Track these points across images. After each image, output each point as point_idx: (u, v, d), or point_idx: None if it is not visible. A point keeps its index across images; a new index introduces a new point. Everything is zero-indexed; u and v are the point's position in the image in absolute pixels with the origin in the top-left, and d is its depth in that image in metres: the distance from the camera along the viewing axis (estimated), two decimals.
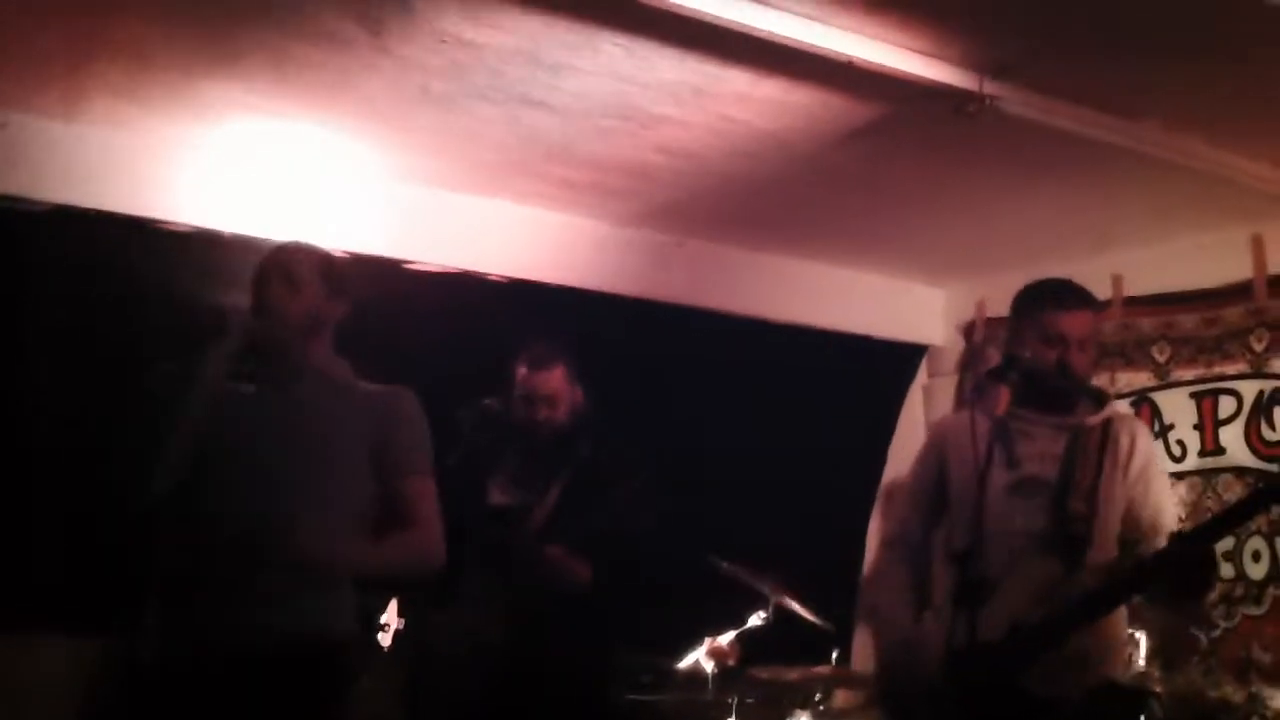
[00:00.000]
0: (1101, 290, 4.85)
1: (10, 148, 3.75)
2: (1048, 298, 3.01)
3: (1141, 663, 3.95)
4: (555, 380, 3.80)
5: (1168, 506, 3.02)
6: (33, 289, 3.85)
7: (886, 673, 3.09)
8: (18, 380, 3.87)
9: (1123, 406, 4.18)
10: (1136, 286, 4.92)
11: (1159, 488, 3.00)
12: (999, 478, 2.83)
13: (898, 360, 5.70)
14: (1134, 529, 2.92)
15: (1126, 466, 2.92)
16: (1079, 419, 2.94)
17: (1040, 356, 2.90)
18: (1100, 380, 4.80)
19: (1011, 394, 2.89)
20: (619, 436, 3.85)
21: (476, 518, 3.73)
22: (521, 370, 3.86)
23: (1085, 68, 3.31)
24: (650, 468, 3.72)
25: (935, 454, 3.10)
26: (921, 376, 5.76)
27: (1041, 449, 2.92)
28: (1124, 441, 2.94)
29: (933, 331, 5.70)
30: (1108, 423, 2.95)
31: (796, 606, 4.27)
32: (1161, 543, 2.81)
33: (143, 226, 3.99)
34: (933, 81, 3.29)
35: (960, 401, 5.29)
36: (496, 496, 3.88)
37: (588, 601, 3.64)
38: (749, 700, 4.12)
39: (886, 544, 3.19)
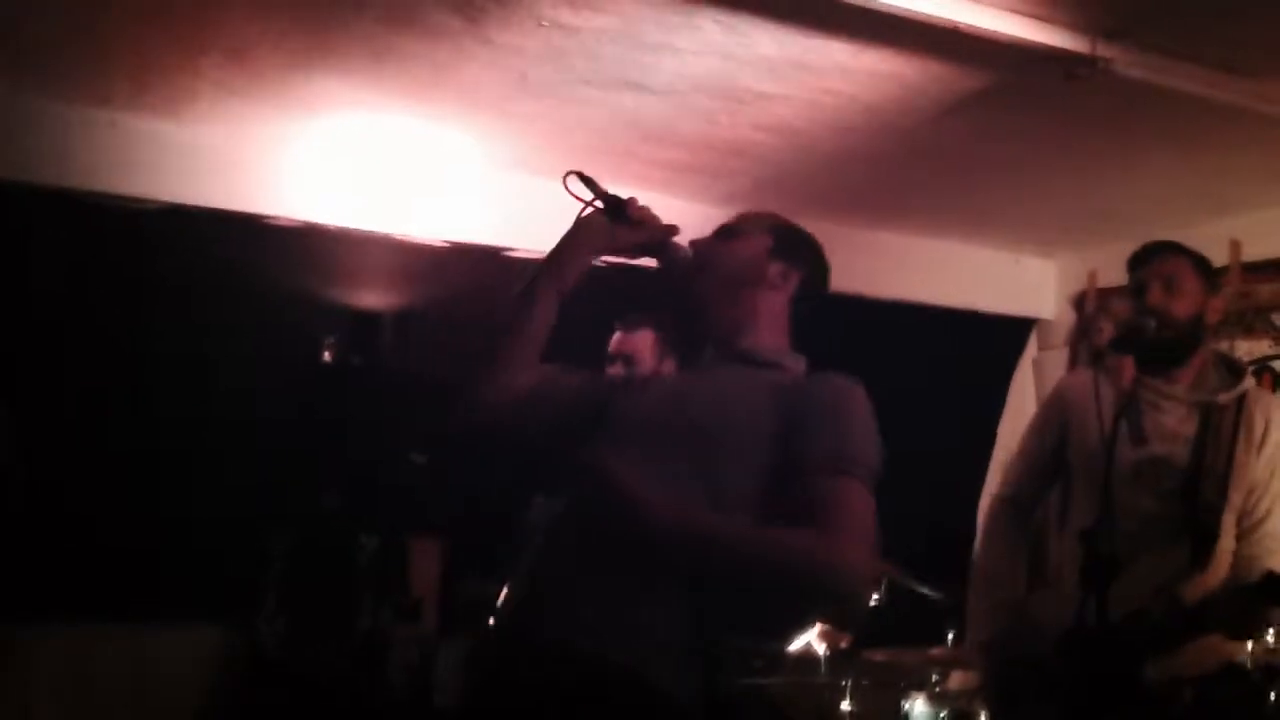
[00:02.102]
0: (1219, 257, 4.71)
1: (119, 147, 3.83)
2: (1133, 259, 2.97)
3: (1270, 637, 3.81)
4: (640, 342, 3.78)
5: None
6: (144, 287, 3.93)
7: (995, 640, 2.99)
8: (142, 375, 3.98)
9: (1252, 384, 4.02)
10: (1255, 252, 4.74)
11: (1270, 472, 2.85)
12: (1124, 454, 2.73)
13: (1007, 334, 5.57)
14: (1250, 514, 2.81)
15: (1260, 450, 2.80)
16: (1211, 395, 2.82)
17: (1156, 304, 2.82)
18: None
19: (1135, 364, 2.79)
20: None
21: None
22: (616, 332, 3.85)
23: (1201, 25, 3.18)
24: None
25: (1057, 416, 2.99)
26: (1031, 350, 5.63)
27: (1171, 426, 2.80)
28: (1258, 422, 2.81)
29: (1043, 304, 5.57)
30: (1242, 400, 2.82)
31: (912, 583, 4.19)
32: (1276, 528, 2.73)
33: (250, 223, 4.04)
34: (1043, 45, 3.19)
35: (1113, 367, 5.15)
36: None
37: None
38: (863, 683, 4.05)
39: (997, 503, 3.09)
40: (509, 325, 2.26)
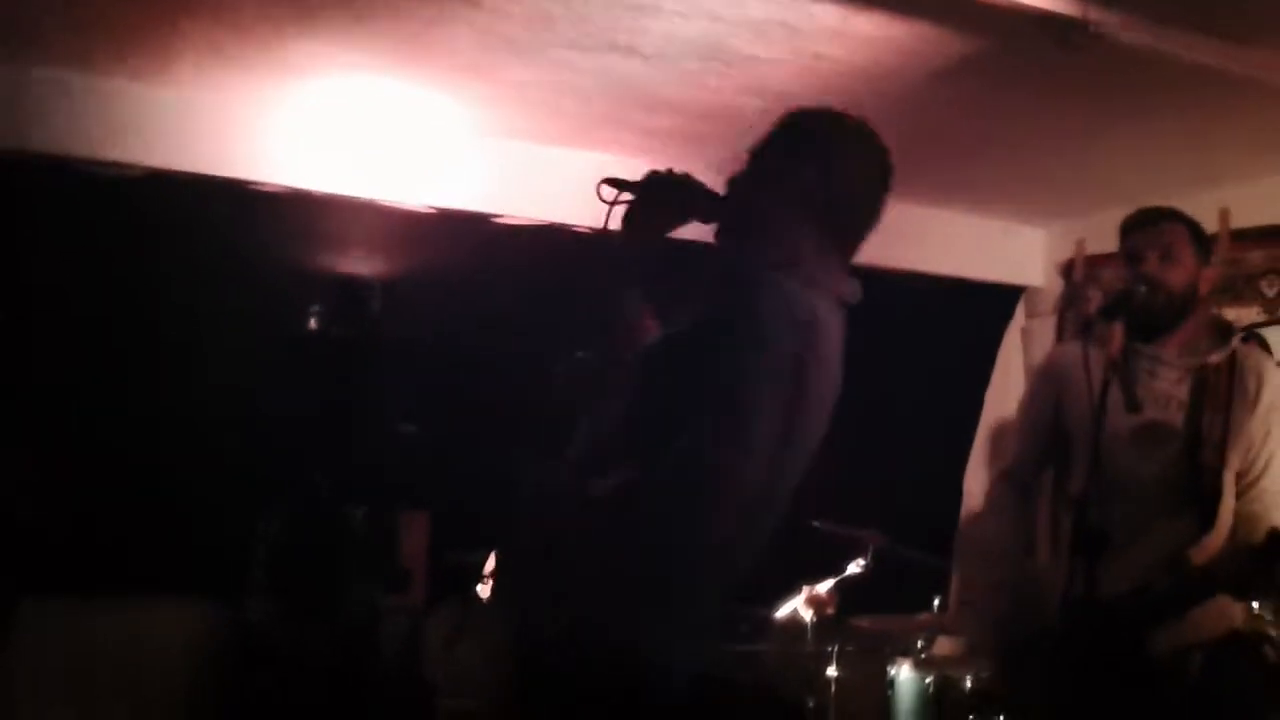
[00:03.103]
0: (1209, 225, 4.71)
1: (102, 113, 3.78)
2: (1126, 223, 2.93)
3: (1254, 606, 3.83)
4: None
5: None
6: (125, 254, 3.89)
7: (995, 615, 3.00)
8: (124, 344, 3.95)
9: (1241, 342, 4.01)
10: (1244, 219, 4.73)
11: (1268, 431, 2.84)
12: (1120, 421, 2.71)
13: (995, 302, 5.56)
14: (1248, 471, 2.79)
15: (1254, 407, 2.79)
16: (1202, 357, 2.82)
17: (1151, 271, 2.79)
18: None
19: (1125, 331, 2.78)
20: None
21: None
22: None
23: None
24: None
25: (1050, 387, 2.97)
26: (1019, 318, 5.62)
27: (1164, 390, 2.79)
28: (1251, 380, 2.80)
29: (1031, 272, 5.55)
30: (1233, 359, 2.80)
31: (900, 550, 4.20)
32: (1273, 487, 2.73)
33: (234, 188, 4.00)
34: (1035, 9, 3.15)
35: (1061, 342, 5.17)
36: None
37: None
38: (849, 649, 4.07)
39: (996, 478, 3.09)
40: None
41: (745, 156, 2.23)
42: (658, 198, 2.21)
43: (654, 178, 2.22)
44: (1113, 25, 3.23)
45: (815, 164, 2.16)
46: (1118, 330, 2.72)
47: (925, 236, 5.27)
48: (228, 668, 4.03)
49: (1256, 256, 4.69)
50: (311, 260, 4.31)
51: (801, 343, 1.94)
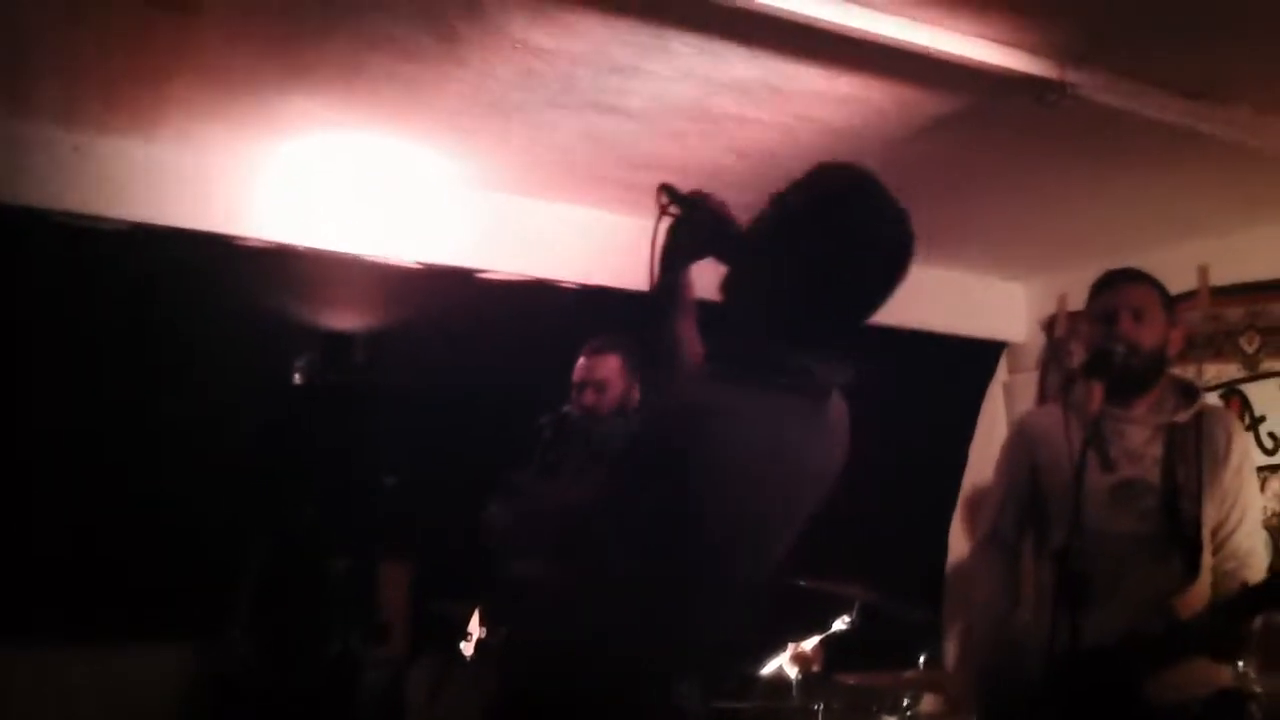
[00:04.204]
0: (1188, 280, 4.77)
1: (90, 167, 3.80)
2: (1098, 284, 2.98)
3: (1240, 664, 3.83)
4: (608, 367, 3.76)
5: (1256, 503, 2.96)
6: (113, 307, 3.90)
7: (985, 672, 3.02)
8: (110, 395, 3.94)
9: (1213, 399, 4.06)
10: (1223, 275, 4.79)
11: (1251, 486, 2.93)
12: (1097, 481, 2.76)
13: (978, 357, 5.60)
14: (1222, 526, 2.85)
15: (1225, 463, 2.85)
16: (1170, 416, 2.87)
17: (1125, 332, 2.83)
18: (1187, 372, 4.69)
19: (1087, 375, 2.83)
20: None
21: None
22: (580, 359, 3.83)
23: (1169, 52, 3.22)
24: None
25: (1024, 452, 3.03)
26: (1002, 373, 5.66)
27: (1135, 448, 2.84)
28: (1220, 437, 2.87)
29: (1013, 327, 5.60)
30: (1199, 418, 2.87)
31: (886, 604, 4.19)
32: (1246, 541, 2.79)
33: (221, 243, 4.02)
34: (1012, 71, 3.22)
35: (1043, 397, 5.19)
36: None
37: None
38: (834, 706, 4.05)
39: (980, 542, 3.12)
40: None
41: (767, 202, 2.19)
42: (699, 218, 2.15)
43: (701, 198, 2.17)
44: (1088, 86, 3.29)
45: (833, 235, 2.03)
46: (1098, 389, 2.76)
47: (908, 292, 5.23)
48: (205, 714, 3.99)
49: (1236, 313, 4.74)
50: (297, 314, 4.31)
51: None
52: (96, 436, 3.83)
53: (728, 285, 2.12)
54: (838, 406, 2.15)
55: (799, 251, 1.99)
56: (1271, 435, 4.56)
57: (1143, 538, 2.77)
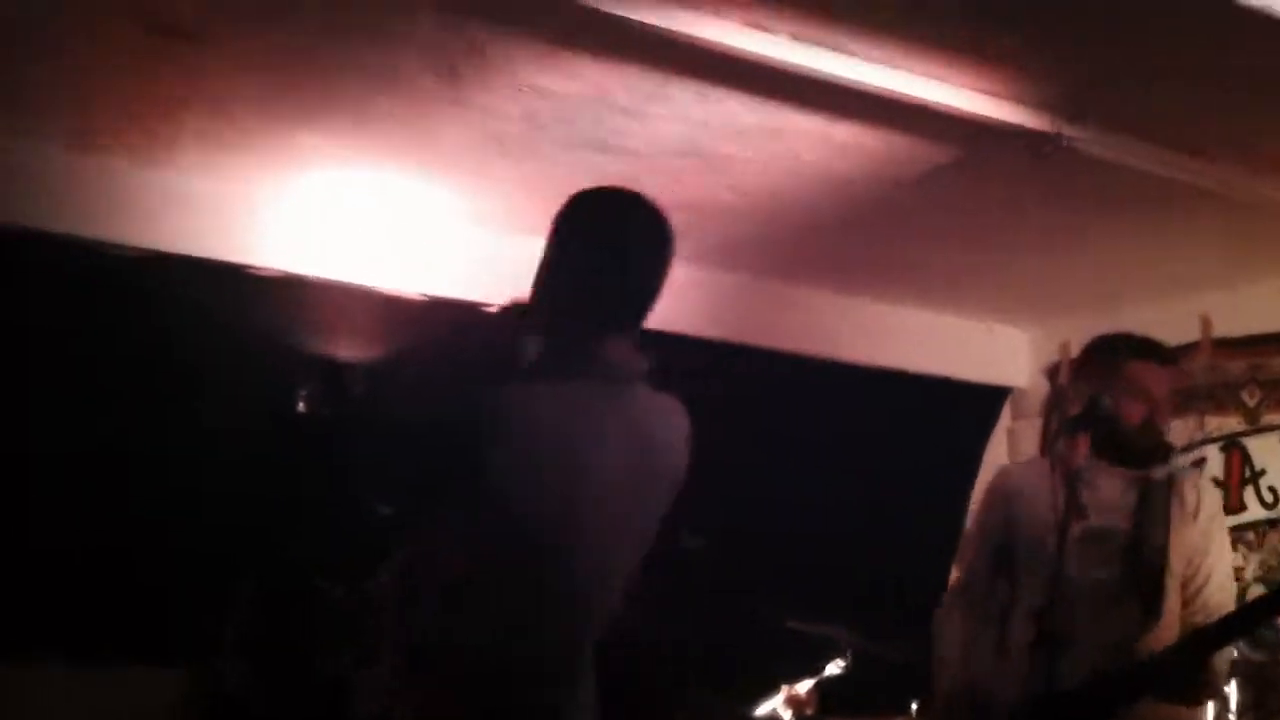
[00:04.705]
0: (1189, 332, 4.78)
1: (101, 194, 3.87)
2: (1135, 349, 2.96)
3: (1233, 717, 3.82)
4: None
5: (1226, 559, 3.00)
6: (121, 331, 3.96)
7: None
8: (114, 417, 4.00)
9: (1182, 461, 4.07)
10: (1225, 327, 4.79)
11: (1220, 544, 2.98)
12: (1069, 528, 2.79)
13: (981, 403, 5.61)
14: (1192, 581, 2.91)
15: (1194, 519, 2.90)
16: (1146, 472, 2.90)
17: (1126, 411, 2.85)
18: (1188, 424, 4.71)
19: (1072, 432, 2.86)
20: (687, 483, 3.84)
21: None
22: None
23: (1165, 109, 3.26)
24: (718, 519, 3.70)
25: (1002, 503, 3.06)
26: (1005, 420, 5.66)
27: (1107, 498, 2.89)
28: (1190, 495, 2.94)
29: (1016, 374, 5.61)
30: (1171, 476, 2.94)
31: (879, 650, 4.19)
32: (1217, 595, 2.85)
33: (230, 271, 4.09)
34: (1007, 124, 3.26)
35: (1045, 444, 5.19)
36: None
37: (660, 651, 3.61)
38: None
39: (951, 593, 3.15)
40: None
41: None
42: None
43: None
44: (1084, 140, 3.33)
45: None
46: (1083, 442, 2.79)
47: (910, 336, 5.34)
48: None
49: (1238, 365, 4.75)
50: (300, 343, 4.38)
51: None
52: (98, 458, 3.89)
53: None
54: (655, 399, 2.21)
55: (579, 254, 2.23)
56: (1271, 489, 4.55)
57: (1106, 583, 2.81)
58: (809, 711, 4.16)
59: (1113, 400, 2.82)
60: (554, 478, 2.02)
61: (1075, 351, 5.24)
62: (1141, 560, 2.81)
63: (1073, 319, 5.26)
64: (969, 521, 3.23)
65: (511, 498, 2.00)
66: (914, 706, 4.21)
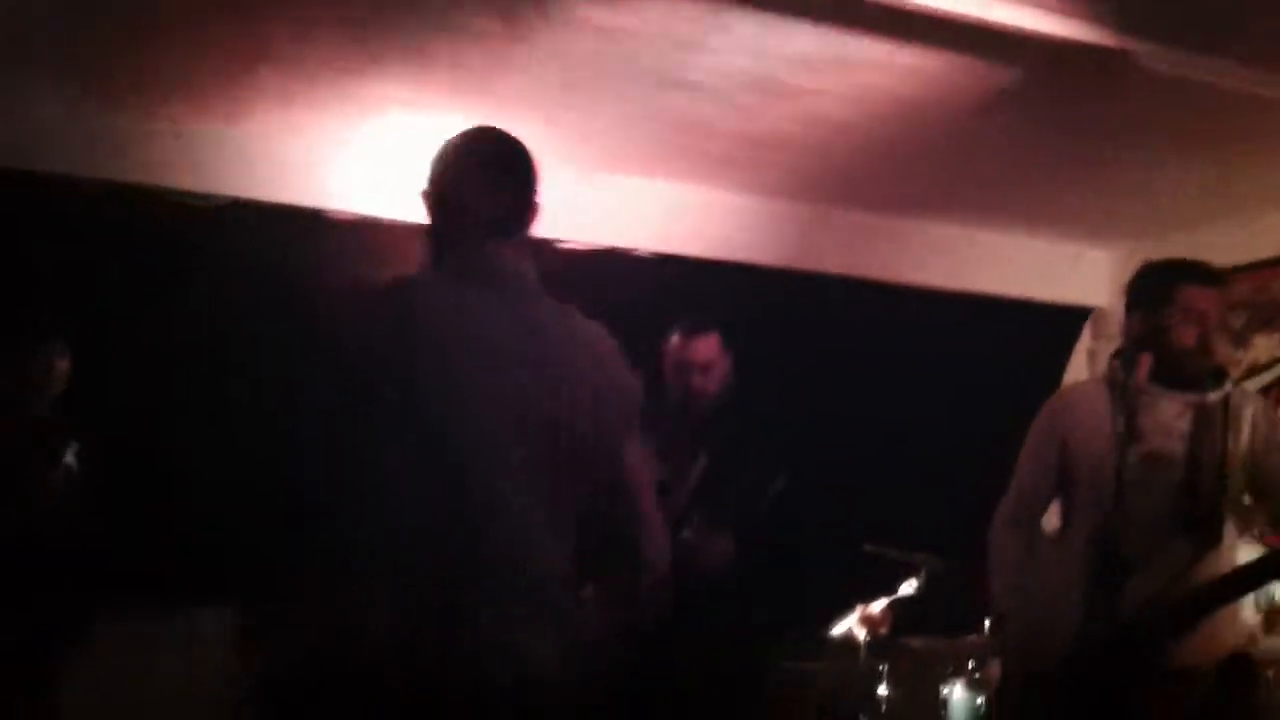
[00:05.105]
0: (1273, 249, 4.69)
1: (182, 152, 4.00)
2: (1185, 273, 2.94)
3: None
4: (711, 348, 3.82)
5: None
6: (207, 279, 4.10)
7: (1011, 655, 3.07)
8: (201, 368, 4.14)
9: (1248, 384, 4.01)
10: None
11: (1263, 456, 2.92)
12: (1127, 452, 2.79)
13: (1062, 324, 5.56)
14: (1268, 496, 2.91)
15: (1251, 441, 2.88)
16: (1202, 396, 2.89)
17: (1179, 335, 2.85)
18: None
19: (1125, 363, 2.85)
20: (769, 412, 3.87)
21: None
22: (676, 338, 3.89)
23: (1232, 20, 3.19)
24: (802, 448, 3.73)
25: (1058, 424, 3.03)
26: (1086, 340, 5.61)
27: (1164, 422, 2.87)
28: (1246, 415, 2.90)
29: (1097, 294, 5.54)
30: (1226, 399, 2.90)
31: (950, 573, 4.23)
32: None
33: (307, 216, 4.21)
34: (1071, 40, 3.22)
35: (1129, 366, 5.15)
36: None
37: (734, 578, 3.67)
38: (900, 669, 4.12)
39: (1003, 522, 3.14)
40: None
41: None
42: None
43: None
44: (1149, 55, 3.28)
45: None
46: (1146, 360, 2.79)
47: (991, 260, 5.30)
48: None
49: None
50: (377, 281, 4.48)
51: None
52: (189, 403, 4.04)
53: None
54: (564, 310, 2.23)
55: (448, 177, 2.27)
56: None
57: (1162, 510, 2.81)
58: (883, 631, 4.21)
59: (1166, 324, 2.82)
60: (468, 378, 1.99)
61: None
62: (1199, 486, 2.81)
63: (1155, 239, 5.17)
64: (1022, 457, 3.21)
65: (433, 400, 1.96)
66: (986, 624, 4.24)
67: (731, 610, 3.65)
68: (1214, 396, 2.90)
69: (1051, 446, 3.02)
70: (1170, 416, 2.88)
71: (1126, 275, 5.28)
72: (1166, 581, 2.73)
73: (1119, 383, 2.82)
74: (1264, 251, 4.54)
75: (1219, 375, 2.93)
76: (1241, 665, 2.80)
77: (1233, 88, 3.45)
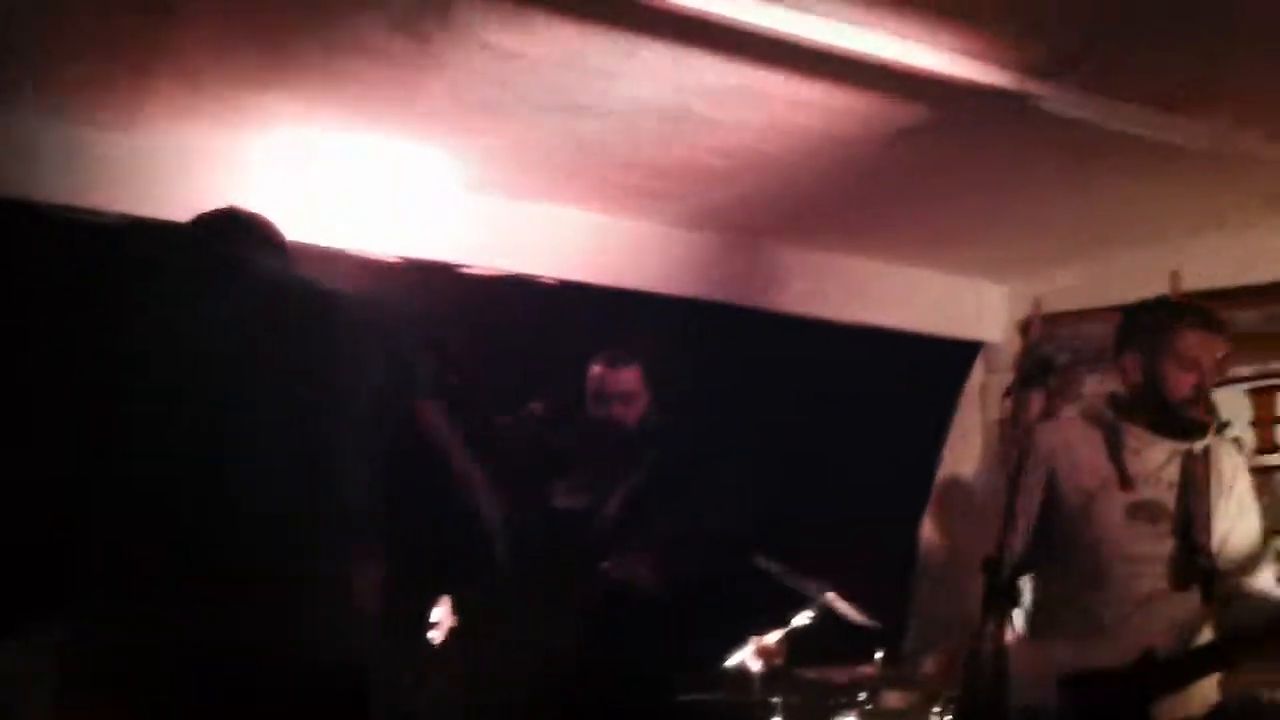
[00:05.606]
0: (1159, 286, 4.82)
1: (74, 160, 3.86)
2: (1188, 317, 2.90)
3: None
4: (632, 379, 3.83)
5: (1255, 530, 2.99)
6: (97, 295, 3.94)
7: (975, 692, 3.02)
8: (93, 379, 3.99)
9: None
10: (1194, 282, 4.83)
11: (1251, 514, 2.97)
12: (1115, 497, 2.78)
13: (954, 358, 5.66)
14: (1227, 555, 2.91)
15: (1231, 494, 2.89)
16: (1189, 443, 2.87)
17: (1174, 382, 2.82)
18: None
19: (1117, 407, 2.84)
20: (685, 439, 3.87)
21: (540, 521, 3.77)
22: (597, 368, 3.87)
23: (1131, 65, 3.29)
24: (729, 470, 3.74)
25: (1043, 467, 2.91)
26: (979, 374, 5.71)
27: (1153, 471, 2.84)
28: (1227, 468, 2.90)
29: (991, 328, 5.65)
30: (1207, 449, 2.89)
31: (843, 607, 4.26)
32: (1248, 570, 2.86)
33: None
34: (976, 83, 3.28)
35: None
36: (562, 500, 3.92)
37: (650, 604, 3.66)
38: (794, 700, 4.12)
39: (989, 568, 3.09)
40: None
41: None
42: None
43: None
44: (1052, 98, 3.36)
45: None
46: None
47: (887, 292, 5.38)
48: None
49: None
50: None
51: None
52: (64, 422, 3.88)
53: None
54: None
55: None
56: (1235, 440, 4.61)
57: (1157, 561, 2.79)
58: (778, 661, 4.21)
59: (1161, 370, 2.78)
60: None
61: (1047, 306, 5.35)
62: (1193, 541, 2.77)
63: (1046, 274, 5.33)
64: (1008, 488, 3.14)
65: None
66: (878, 656, 4.27)
67: (645, 641, 3.64)
68: (1199, 445, 2.86)
69: (1039, 486, 2.91)
70: (1156, 466, 2.84)
71: (1020, 310, 5.51)
72: (1157, 635, 2.71)
73: (1108, 423, 2.79)
74: (1150, 289, 4.66)
75: (1208, 424, 2.89)
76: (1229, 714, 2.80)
77: (1129, 130, 3.55)
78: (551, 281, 4.67)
